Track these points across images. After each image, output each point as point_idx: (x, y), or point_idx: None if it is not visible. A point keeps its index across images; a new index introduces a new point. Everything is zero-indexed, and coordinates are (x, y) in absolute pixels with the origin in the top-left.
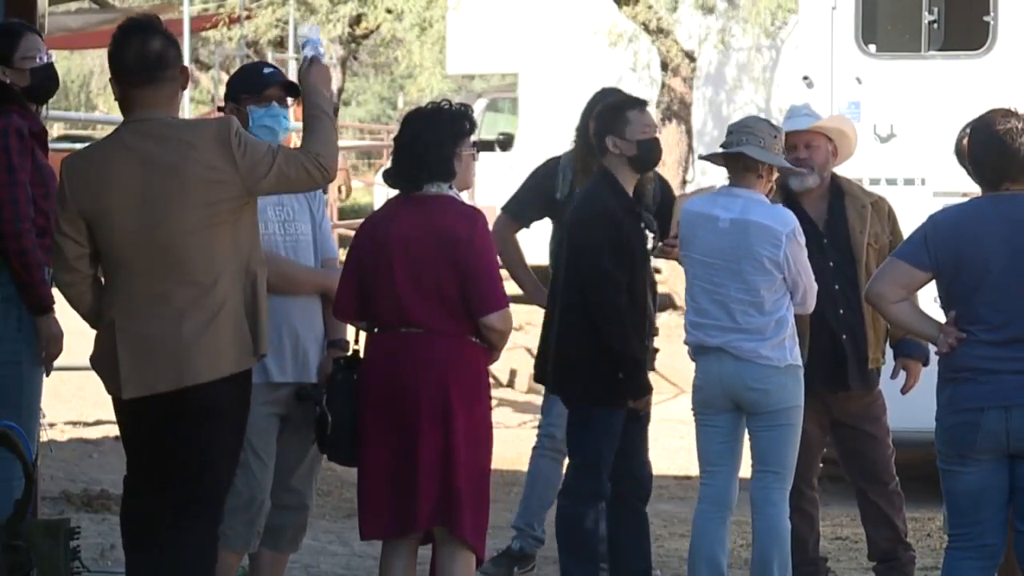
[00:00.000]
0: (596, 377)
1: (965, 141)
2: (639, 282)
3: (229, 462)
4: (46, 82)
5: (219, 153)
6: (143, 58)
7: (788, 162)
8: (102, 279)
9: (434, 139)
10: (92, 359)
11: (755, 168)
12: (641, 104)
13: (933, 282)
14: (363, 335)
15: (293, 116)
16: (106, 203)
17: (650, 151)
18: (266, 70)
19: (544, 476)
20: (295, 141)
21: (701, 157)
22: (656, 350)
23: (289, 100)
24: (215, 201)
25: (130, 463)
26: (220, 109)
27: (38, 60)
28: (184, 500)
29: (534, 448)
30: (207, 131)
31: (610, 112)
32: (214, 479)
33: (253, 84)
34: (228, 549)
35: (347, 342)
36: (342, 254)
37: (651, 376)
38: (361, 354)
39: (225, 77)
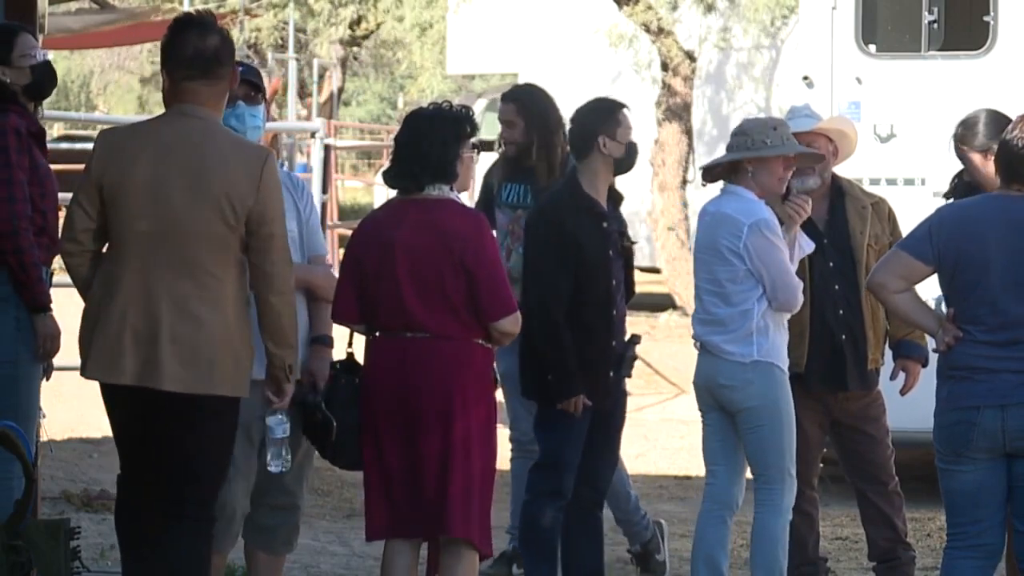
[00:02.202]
0: (543, 377)
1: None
2: (592, 283)
3: (219, 461)
4: (45, 79)
5: (248, 181)
6: (200, 52)
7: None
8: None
9: (438, 140)
10: (78, 338)
11: (719, 169)
12: (625, 106)
13: (935, 287)
14: (354, 337)
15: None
16: (125, 180)
17: (634, 154)
18: None
19: (518, 477)
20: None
21: (702, 169)
22: (634, 357)
23: (260, 97)
24: (226, 222)
25: (122, 460)
26: None
27: (36, 58)
28: (175, 499)
29: (510, 451)
30: (248, 153)
31: (601, 111)
32: (203, 478)
33: None
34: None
35: (331, 339)
36: (341, 254)
37: (650, 376)
38: (356, 357)
39: None
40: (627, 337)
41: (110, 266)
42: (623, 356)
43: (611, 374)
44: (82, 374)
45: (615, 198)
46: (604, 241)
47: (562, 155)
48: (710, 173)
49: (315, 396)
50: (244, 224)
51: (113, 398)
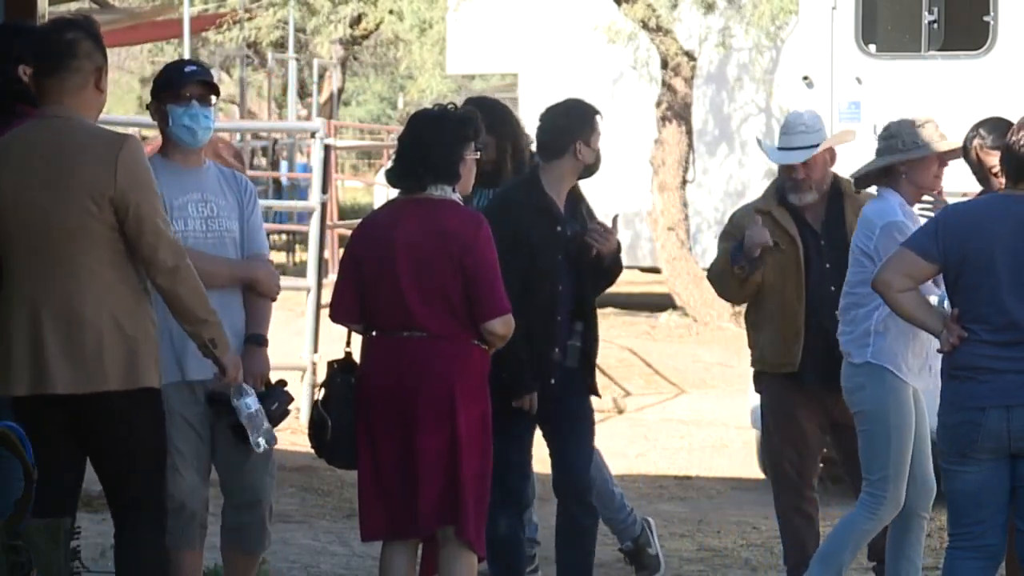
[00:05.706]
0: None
1: (975, 142)
2: (539, 286)
3: (152, 464)
4: None
5: (104, 169)
6: (48, 44)
7: (789, 179)
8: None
9: (442, 141)
10: None
11: (873, 174)
12: (599, 112)
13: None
14: (352, 337)
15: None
16: (3, 186)
17: (599, 162)
18: (187, 68)
19: None
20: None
21: (855, 178)
22: (578, 347)
23: (213, 99)
24: (91, 214)
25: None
26: (147, 107)
27: None
28: (119, 508)
29: None
30: (103, 141)
31: (580, 116)
32: (137, 484)
33: (172, 82)
34: (175, 549)
35: (266, 338)
36: (341, 254)
37: (650, 376)
38: (354, 357)
39: (225, 78)
40: (577, 327)
41: (3, 278)
42: (567, 348)
43: (551, 382)
44: None
45: (576, 196)
46: (556, 245)
47: (513, 165)
48: (863, 181)
49: (222, 394)
50: (113, 213)
51: (38, 410)
